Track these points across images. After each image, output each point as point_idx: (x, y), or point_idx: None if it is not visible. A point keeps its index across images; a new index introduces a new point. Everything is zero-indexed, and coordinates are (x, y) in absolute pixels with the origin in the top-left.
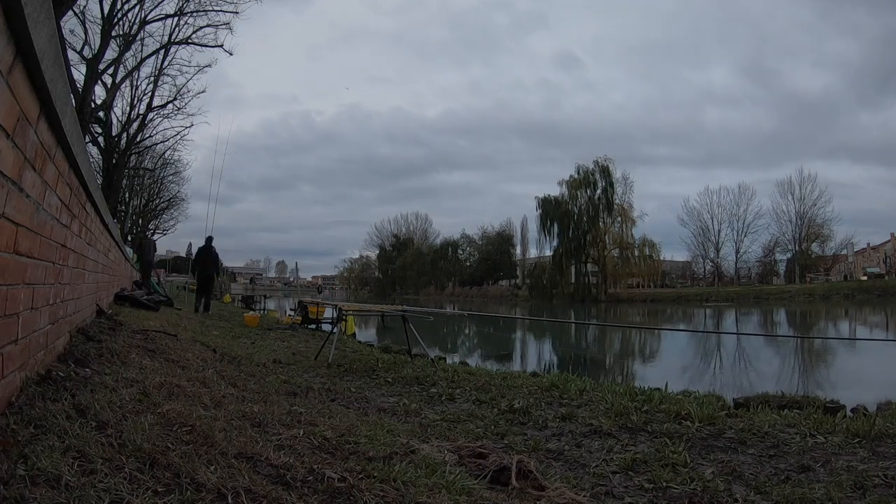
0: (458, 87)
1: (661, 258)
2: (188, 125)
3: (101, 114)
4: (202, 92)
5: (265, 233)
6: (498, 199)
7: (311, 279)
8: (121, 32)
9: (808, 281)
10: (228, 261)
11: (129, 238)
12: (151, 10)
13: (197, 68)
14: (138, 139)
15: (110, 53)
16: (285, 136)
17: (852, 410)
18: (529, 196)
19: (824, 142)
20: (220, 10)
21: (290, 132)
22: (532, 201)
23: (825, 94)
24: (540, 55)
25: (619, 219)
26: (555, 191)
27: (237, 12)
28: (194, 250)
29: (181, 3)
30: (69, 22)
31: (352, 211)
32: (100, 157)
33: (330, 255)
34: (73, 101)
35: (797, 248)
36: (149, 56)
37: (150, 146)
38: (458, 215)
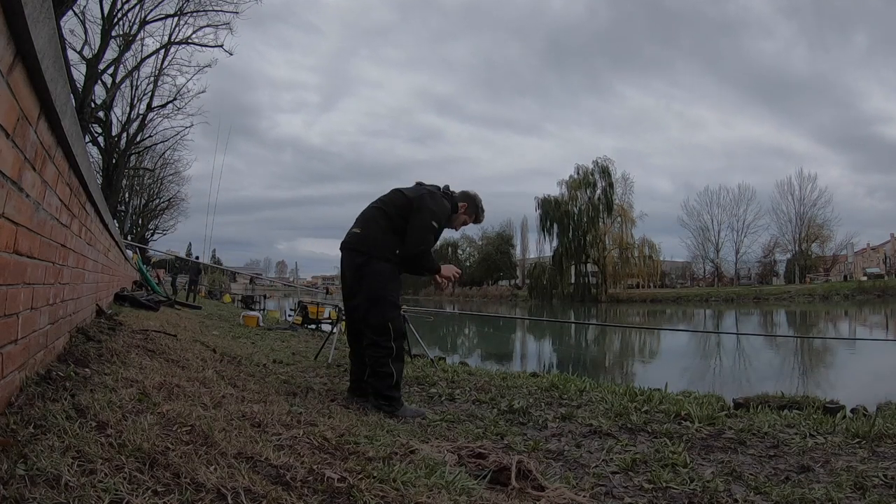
0: None
1: (661, 258)
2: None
3: (101, 114)
4: (202, 92)
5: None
6: None
7: (310, 279)
8: (121, 32)
9: (808, 281)
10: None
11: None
12: (151, 10)
13: (197, 68)
14: (138, 139)
15: (110, 53)
16: None
17: (852, 411)
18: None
19: None
20: (220, 10)
21: None
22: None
23: None
24: None
25: (618, 219)
26: (554, 191)
27: (237, 12)
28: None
29: (181, 3)
30: (69, 22)
31: None
32: (100, 157)
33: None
34: (73, 101)
35: (797, 248)
36: (149, 56)
37: (150, 146)
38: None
